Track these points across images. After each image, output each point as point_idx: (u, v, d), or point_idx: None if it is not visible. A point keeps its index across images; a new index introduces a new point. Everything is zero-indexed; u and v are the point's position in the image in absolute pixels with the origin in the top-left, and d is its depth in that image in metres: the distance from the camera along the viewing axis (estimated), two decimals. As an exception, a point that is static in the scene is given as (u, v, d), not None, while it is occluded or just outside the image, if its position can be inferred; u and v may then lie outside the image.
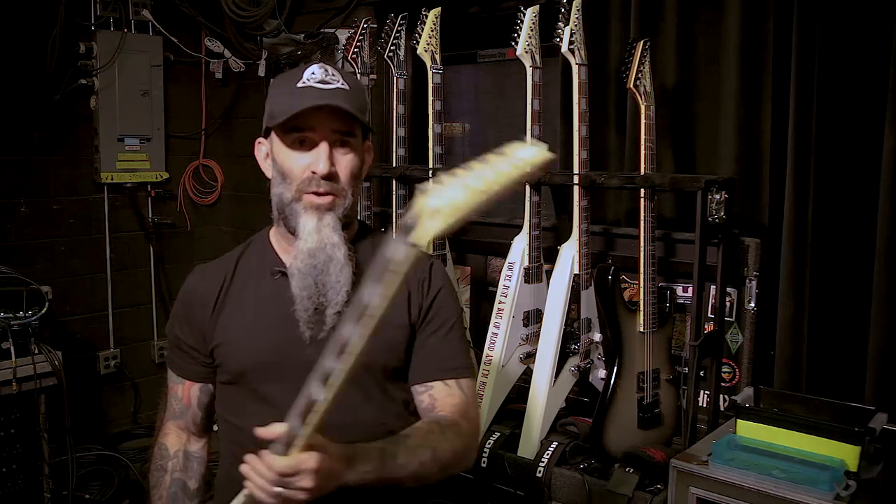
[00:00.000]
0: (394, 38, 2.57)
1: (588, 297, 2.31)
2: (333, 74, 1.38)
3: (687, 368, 2.11)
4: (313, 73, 1.37)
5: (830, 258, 2.21)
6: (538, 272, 2.37)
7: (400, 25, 2.59)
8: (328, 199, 1.37)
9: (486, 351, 2.37)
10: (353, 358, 1.01)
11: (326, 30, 3.43)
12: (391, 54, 2.58)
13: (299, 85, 1.36)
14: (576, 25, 2.21)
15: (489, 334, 2.37)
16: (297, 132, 1.36)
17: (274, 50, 3.63)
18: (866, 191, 2.13)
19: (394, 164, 2.60)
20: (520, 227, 2.37)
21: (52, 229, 3.43)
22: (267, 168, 1.46)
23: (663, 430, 2.23)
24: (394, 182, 2.61)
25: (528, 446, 2.21)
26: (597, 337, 2.36)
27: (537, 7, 2.28)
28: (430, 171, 2.54)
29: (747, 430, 1.87)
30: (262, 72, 3.63)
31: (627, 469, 2.02)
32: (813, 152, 2.18)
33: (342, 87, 1.37)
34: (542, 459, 2.12)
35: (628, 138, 2.51)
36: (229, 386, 1.45)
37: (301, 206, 1.37)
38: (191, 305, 1.47)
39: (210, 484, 1.55)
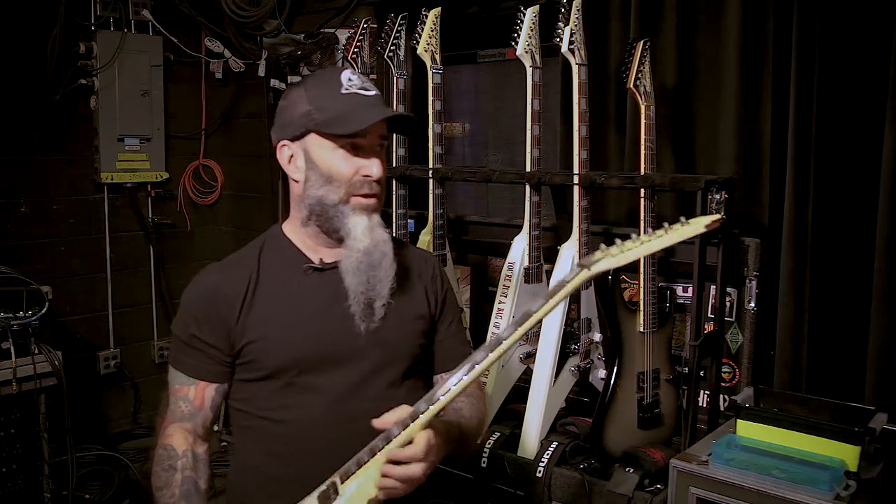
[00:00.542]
0: (394, 38, 2.57)
1: (588, 297, 2.31)
2: (365, 80, 1.47)
3: (687, 368, 2.11)
4: (351, 79, 1.44)
5: (830, 258, 2.21)
6: (538, 272, 2.36)
7: (400, 25, 2.59)
8: (374, 201, 1.45)
9: (486, 351, 2.37)
10: (499, 354, 1.21)
11: (326, 30, 3.43)
12: (391, 54, 2.58)
13: (343, 91, 1.43)
14: (576, 25, 2.21)
15: (489, 334, 2.37)
16: (351, 138, 1.42)
17: (274, 50, 3.63)
18: (866, 191, 2.13)
19: (394, 164, 2.59)
20: (520, 227, 2.37)
21: (52, 229, 3.43)
22: (293, 171, 1.48)
23: (663, 430, 2.23)
24: (394, 182, 2.61)
25: (528, 446, 2.21)
26: (597, 337, 2.36)
27: (537, 7, 2.28)
28: (430, 171, 2.54)
29: (747, 430, 1.87)
30: (262, 72, 3.63)
31: (627, 469, 2.02)
32: (813, 152, 2.18)
33: (377, 92, 1.46)
34: (542, 459, 2.13)
35: (628, 138, 2.51)
36: (261, 382, 1.46)
37: (349, 208, 1.43)
38: (213, 304, 1.46)
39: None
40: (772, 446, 1.80)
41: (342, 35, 3.33)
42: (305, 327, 1.45)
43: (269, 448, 1.46)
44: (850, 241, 2.18)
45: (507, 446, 2.24)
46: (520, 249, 2.35)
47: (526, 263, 2.33)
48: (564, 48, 2.21)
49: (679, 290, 2.34)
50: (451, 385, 1.22)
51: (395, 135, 2.58)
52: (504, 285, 2.35)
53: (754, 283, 2.24)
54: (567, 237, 2.31)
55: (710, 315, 2.26)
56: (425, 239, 2.56)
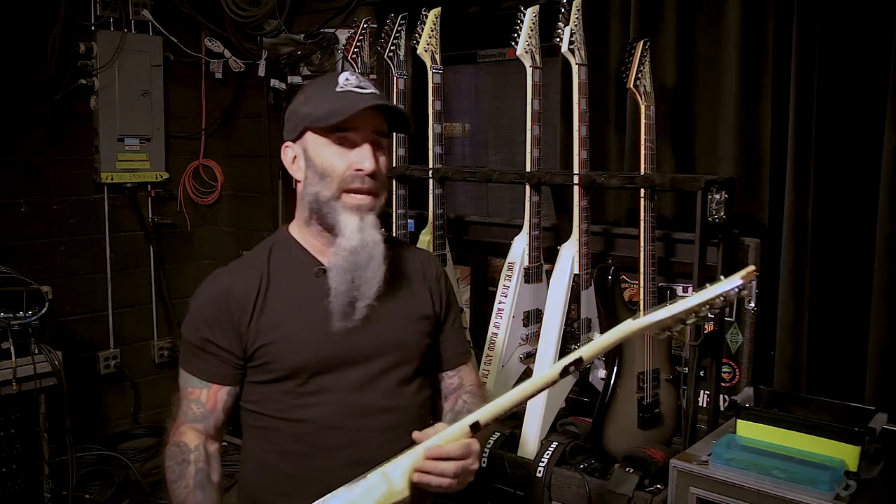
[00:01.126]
0: (394, 38, 2.57)
1: (588, 297, 2.30)
2: (364, 80, 1.48)
3: (687, 368, 2.11)
4: (348, 79, 1.46)
5: (830, 258, 2.21)
6: (538, 272, 2.37)
7: (400, 25, 2.58)
8: (369, 198, 1.46)
9: (486, 351, 2.37)
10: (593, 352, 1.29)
11: (326, 30, 3.43)
12: (391, 54, 2.58)
13: (338, 89, 1.45)
14: (576, 25, 2.21)
15: (489, 334, 2.37)
16: (342, 132, 1.44)
17: (274, 50, 3.63)
18: (866, 191, 2.13)
19: (394, 164, 2.59)
20: (520, 227, 2.37)
21: (52, 229, 3.43)
22: (295, 170, 1.51)
23: (663, 430, 2.22)
24: (394, 182, 2.61)
25: (528, 446, 2.21)
26: (597, 337, 2.36)
27: (537, 7, 2.28)
28: (430, 171, 2.54)
29: (747, 430, 1.87)
30: (262, 72, 3.63)
31: (627, 469, 2.02)
32: (813, 152, 2.18)
33: (375, 91, 1.47)
34: (542, 459, 2.12)
35: (628, 138, 2.51)
36: (276, 384, 1.47)
37: (340, 205, 1.45)
38: (225, 307, 1.47)
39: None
40: (772, 446, 1.80)
41: (342, 35, 3.33)
42: (319, 329, 1.46)
43: (283, 447, 1.48)
44: (850, 240, 2.18)
45: (507, 446, 2.24)
46: (520, 249, 2.35)
47: (526, 263, 2.33)
48: (564, 48, 2.21)
49: (679, 290, 2.34)
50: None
51: (395, 134, 2.59)
52: (504, 285, 2.35)
53: (754, 283, 2.23)
54: (567, 237, 2.31)
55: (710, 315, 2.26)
56: (425, 239, 2.56)
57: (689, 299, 1.23)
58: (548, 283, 2.33)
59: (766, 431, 1.83)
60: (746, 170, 2.33)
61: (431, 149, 2.54)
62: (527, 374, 2.37)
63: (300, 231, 1.54)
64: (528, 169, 2.32)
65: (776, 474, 1.70)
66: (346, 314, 1.46)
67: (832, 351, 2.22)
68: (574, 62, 2.23)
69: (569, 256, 2.27)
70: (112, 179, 3.55)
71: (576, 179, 2.25)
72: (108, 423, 3.68)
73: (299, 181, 1.51)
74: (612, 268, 2.15)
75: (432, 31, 2.48)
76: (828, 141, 2.17)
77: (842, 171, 2.18)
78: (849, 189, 2.18)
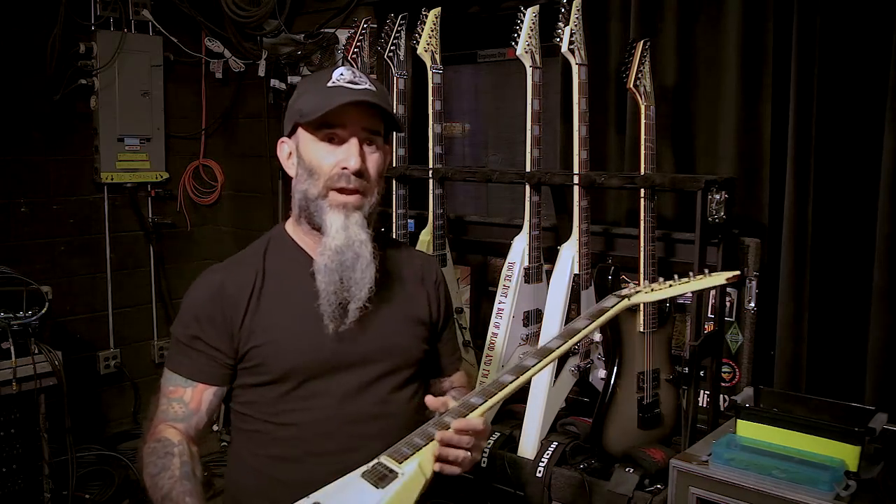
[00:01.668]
0: (394, 38, 2.57)
1: (588, 297, 2.30)
2: (361, 76, 1.43)
3: (687, 368, 2.11)
4: (342, 74, 1.42)
5: (830, 258, 2.21)
6: (538, 272, 2.36)
7: (400, 25, 2.58)
8: (356, 197, 1.41)
9: (486, 351, 2.37)
10: (549, 361, 1.38)
11: (326, 30, 3.43)
12: (391, 54, 2.58)
13: (329, 84, 1.41)
14: (576, 25, 2.21)
15: (489, 334, 2.37)
16: (329, 128, 1.40)
17: (274, 50, 3.63)
18: (866, 191, 2.13)
19: (394, 164, 2.59)
20: (520, 227, 2.37)
21: (52, 229, 3.43)
22: (290, 167, 1.48)
23: (663, 430, 2.22)
24: (394, 182, 2.61)
25: (527, 446, 2.20)
26: (597, 337, 2.36)
27: (537, 7, 2.28)
28: (430, 171, 2.54)
29: (747, 430, 1.87)
30: (262, 72, 3.63)
31: (627, 469, 2.02)
32: (813, 152, 2.18)
33: (370, 87, 1.42)
34: (542, 459, 2.12)
35: (628, 138, 2.51)
36: (267, 386, 1.43)
37: (327, 203, 1.41)
38: (217, 304, 1.42)
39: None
40: (772, 446, 1.80)
41: (342, 35, 3.33)
42: (312, 332, 1.42)
43: (272, 452, 1.44)
44: (850, 240, 2.18)
45: (507, 446, 2.24)
46: (520, 249, 2.35)
47: (526, 263, 2.33)
48: (564, 48, 2.21)
49: (679, 290, 2.34)
50: (506, 381, 1.32)
51: (395, 134, 2.59)
52: (504, 285, 2.35)
53: (754, 283, 2.24)
54: (567, 237, 2.31)
55: (710, 315, 2.26)
56: (425, 239, 2.56)
57: (680, 286, 1.43)
58: (548, 283, 2.33)
59: (766, 431, 1.83)
60: (746, 170, 2.33)
61: (431, 149, 2.54)
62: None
63: (294, 229, 1.51)
64: (528, 169, 2.32)
65: (776, 474, 1.70)
66: (337, 317, 1.41)
67: (832, 351, 2.22)
68: (574, 62, 2.23)
69: (569, 256, 2.27)
70: (112, 179, 3.55)
71: (576, 179, 2.25)
72: (108, 423, 3.68)
73: (292, 177, 1.47)
74: (612, 268, 2.15)
75: (432, 31, 2.48)
76: (828, 141, 2.17)
77: (842, 171, 2.18)
78: (848, 189, 2.18)
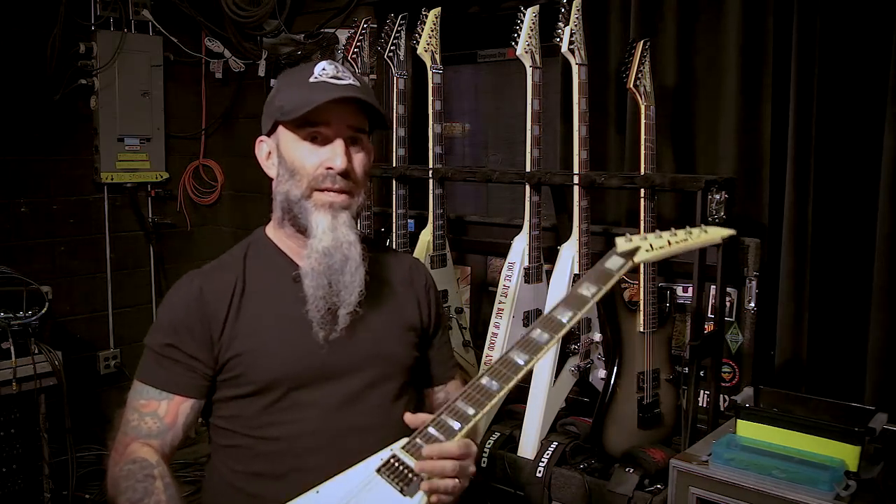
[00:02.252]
0: (394, 38, 2.57)
1: (588, 297, 2.30)
2: (344, 71, 1.37)
3: (687, 368, 2.11)
4: (324, 69, 1.35)
5: (830, 258, 2.21)
6: (538, 272, 2.36)
7: (400, 25, 2.58)
8: (343, 197, 1.35)
9: (486, 351, 2.37)
10: (556, 340, 1.29)
11: (326, 30, 3.43)
12: (391, 54, 2.58)
13: (311, 80, 1.34)
14: (576, 25, 2.21)
15: (489, 334, 2.37)
16: (312, 127, 1.34)
17: (274, 50, 3.63)
18: (866, 190, 2.13)
19: (394, 164, 2.59)
20: (520, 227, 2.37)
21: (52, 229, 3.43)
22: (269, 167, 1.43)
23: (663, 430, 2.22)
24: (394, 182, 2.60)
25: (527, 446, 2.20)
26: (597, 337, 2.36)
27: (537, 7, 2.28)
28: (430, 171, 2.54)
29: (747, 430, 1.87)
30: (262, 72, 3.63)
31: (627, 469, 2.02)
32: (813, 152, 2.18)
33: (354, 83, 1.36)
34: (542, 459, 2.12)
35: (628, 138, 2.51)
36: (249, 399, 1.35)
37: (311, 204, 1.34)
38: (195, 312, 1.35)
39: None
40: (772, 446, 1.80)
41: (342, 35, 3.33)
42: (297, 340, 1.35)
43: (254, 468, 1.35)
44: (850, 240, 2.18)
45: (507, 446, 2.24)
46: (520, 249, 2.35)
47: (526, 263, 2.33)
48: (564, 48, 2.21)
49: (679, 290, 2.34)
50: (519, 361, 1.29)
51: (394, 134, 2.59)
52: (504, 285, 2.35)
53: (754, 283, 2.24)
54: (567, 237, 2.31)
55: (710, 315, 2.26)
56: (425, 239, 2.56)
57: (679, 245, 1.38)
58: (548, 283, 2.33)
59: (766, 431, 1.83)
60: (746, 170, 2.33)
61: (431, 149, 2.54)
62: (527, 374, 2.36)
63: (275, 232, 1.44)
64: (528, 169, 2.32)
65: (776, 474, 1.70)
66: (326, 323, 1.34)
67: (832, 351, 2.22)
68: (574, 62, 2.23)
69: (569, 256, 2.27)
70: (112, 179, 3.55)
71: (576, 179, 2.25)
72: (108, 423, 3.65)
73: (272, 178, 1.41)
74: (612, 268, 2.15)
75: (432, 31, 2.48)
76: (828, 141, 2.17)
77: (842, 171, 2.18)
78: (848, 189, 2.18)
